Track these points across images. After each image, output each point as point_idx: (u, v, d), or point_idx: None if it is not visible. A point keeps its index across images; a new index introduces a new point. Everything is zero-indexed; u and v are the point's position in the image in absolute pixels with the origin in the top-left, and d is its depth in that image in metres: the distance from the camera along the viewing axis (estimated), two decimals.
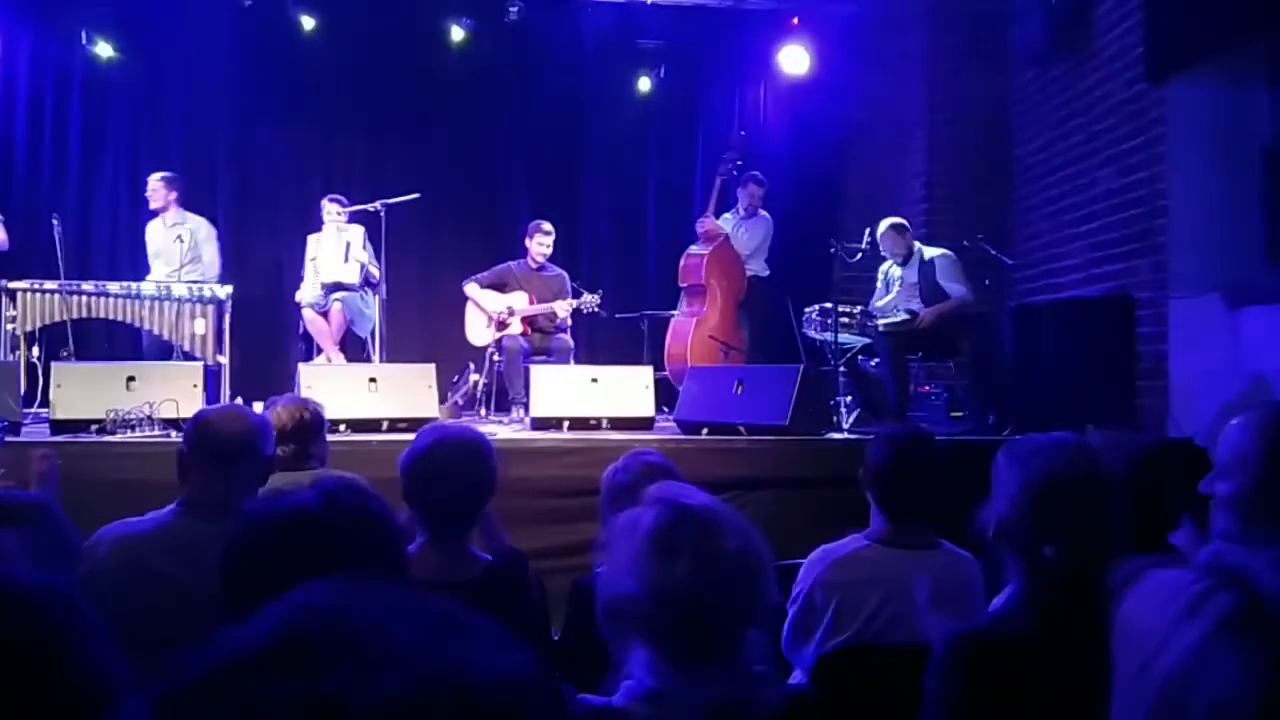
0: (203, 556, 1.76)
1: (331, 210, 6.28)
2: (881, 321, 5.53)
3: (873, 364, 5.69)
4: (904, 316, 5.52)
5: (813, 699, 2.07)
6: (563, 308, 6.17)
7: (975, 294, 5.56)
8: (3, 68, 7.01)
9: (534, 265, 6.31)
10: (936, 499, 2.34)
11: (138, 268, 6.43)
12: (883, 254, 5.77)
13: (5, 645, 1.18)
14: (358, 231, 6.21)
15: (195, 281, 6.00)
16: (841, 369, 5.57)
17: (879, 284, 5.87)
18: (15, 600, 1.25)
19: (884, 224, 5.72)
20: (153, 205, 6.27)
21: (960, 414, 5.74)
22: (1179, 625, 0.72)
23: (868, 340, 5.59)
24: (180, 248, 6.17)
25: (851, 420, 5.38)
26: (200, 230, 6.30)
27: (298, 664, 0.44)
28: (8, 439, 3.77)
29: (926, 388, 6.00)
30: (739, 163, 6.67)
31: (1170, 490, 1.74)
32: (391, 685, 0.43)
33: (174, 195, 6.28)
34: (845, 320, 5.51)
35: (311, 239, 6.35)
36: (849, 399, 5.60)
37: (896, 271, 5.73)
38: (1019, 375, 5.74)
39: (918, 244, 5.72)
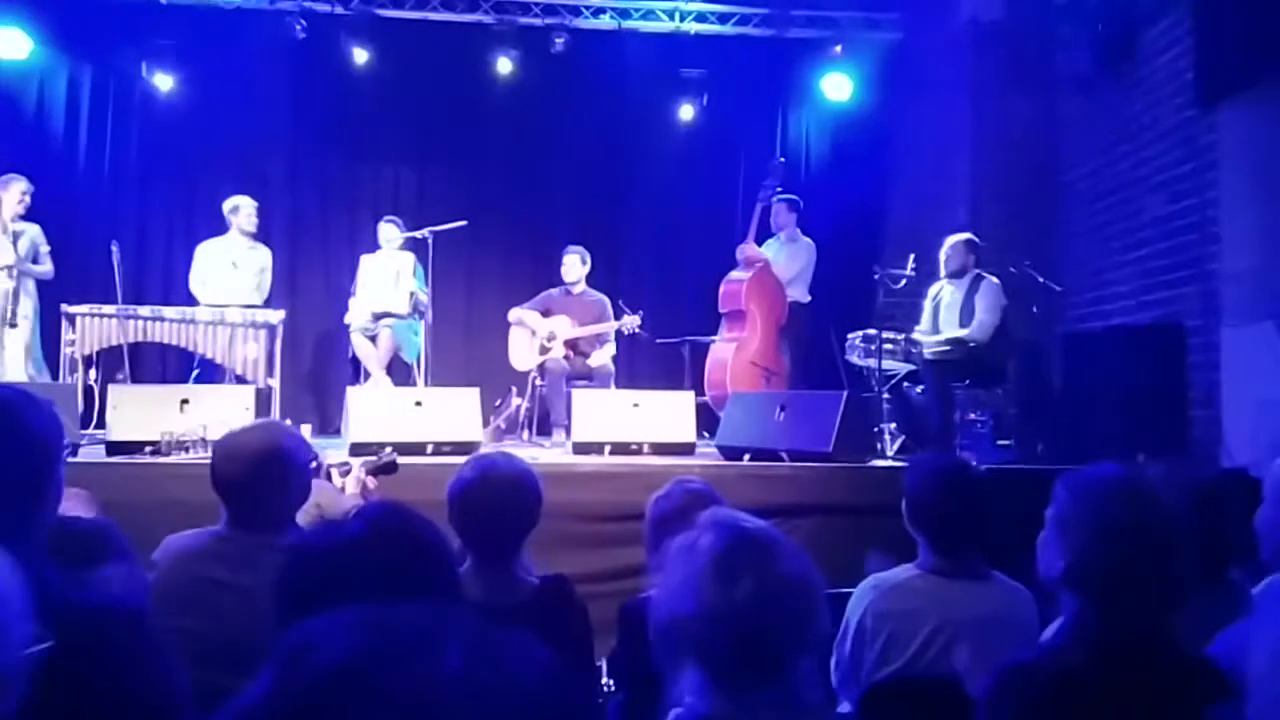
0: (257, 563, 1.84)
1: (387, 232, 6.39)
2: (928, 350, 5.47)
3: (918, 391, 5.64)
4: (947, 346, 5.47)
5: None
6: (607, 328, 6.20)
7: (986, 334, 5.39)
8: (66, 98, 7.27)
9: (569, 290, 6.35)
10: (984, 530, 2.28)
11: (191, 292, 6.42)
12: (944, 269, 5.70)
13: (77, 662, 1.22)
14: (408, 259, 6.29)
15: (251, 306, 6.13)
16: (886, 396, 5.52)
17: (927, 306, 5.77)
18: (87, 620, 1.29)
19: (956, 237, 5.68)
20: (249, 229, 6.34)
21: (1007, 442, 5.65)
22: None
23: (912, 367, 5.53)
24: (261, 275, 6.34)
25: (896, 447, 5.32)
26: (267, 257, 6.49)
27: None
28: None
29: (972, 415, 5.92)
30: (778, 189, 6.68)
31: (1230, 524, 1.71)
32: None
33: None
34: (889, 347, 5.47)
35: (365, 259, 6.45)
36: (893, 426, 5.54)
37: (949, 287, 5.66)
38: (1067, 403, 5.65)
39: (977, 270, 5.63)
